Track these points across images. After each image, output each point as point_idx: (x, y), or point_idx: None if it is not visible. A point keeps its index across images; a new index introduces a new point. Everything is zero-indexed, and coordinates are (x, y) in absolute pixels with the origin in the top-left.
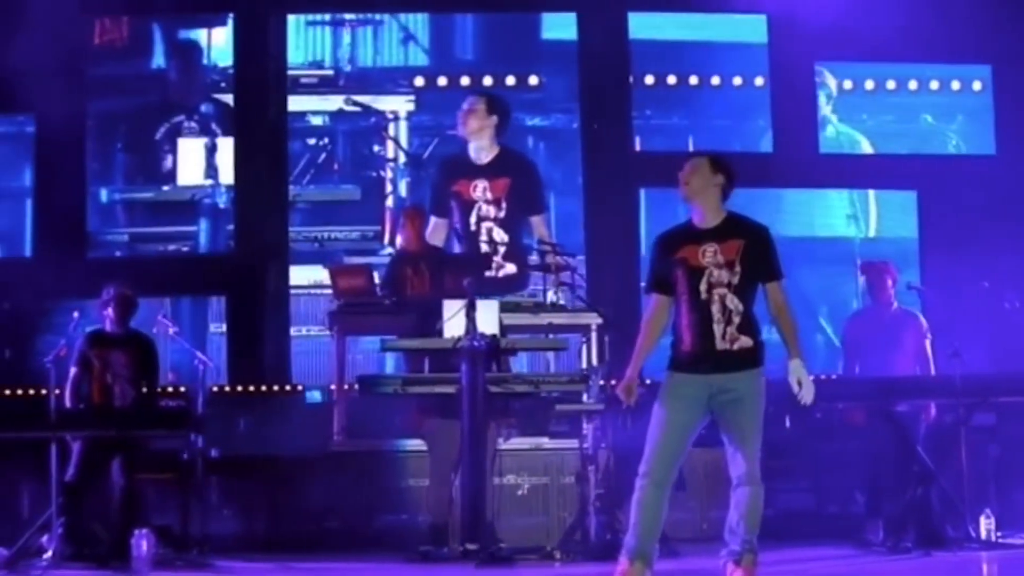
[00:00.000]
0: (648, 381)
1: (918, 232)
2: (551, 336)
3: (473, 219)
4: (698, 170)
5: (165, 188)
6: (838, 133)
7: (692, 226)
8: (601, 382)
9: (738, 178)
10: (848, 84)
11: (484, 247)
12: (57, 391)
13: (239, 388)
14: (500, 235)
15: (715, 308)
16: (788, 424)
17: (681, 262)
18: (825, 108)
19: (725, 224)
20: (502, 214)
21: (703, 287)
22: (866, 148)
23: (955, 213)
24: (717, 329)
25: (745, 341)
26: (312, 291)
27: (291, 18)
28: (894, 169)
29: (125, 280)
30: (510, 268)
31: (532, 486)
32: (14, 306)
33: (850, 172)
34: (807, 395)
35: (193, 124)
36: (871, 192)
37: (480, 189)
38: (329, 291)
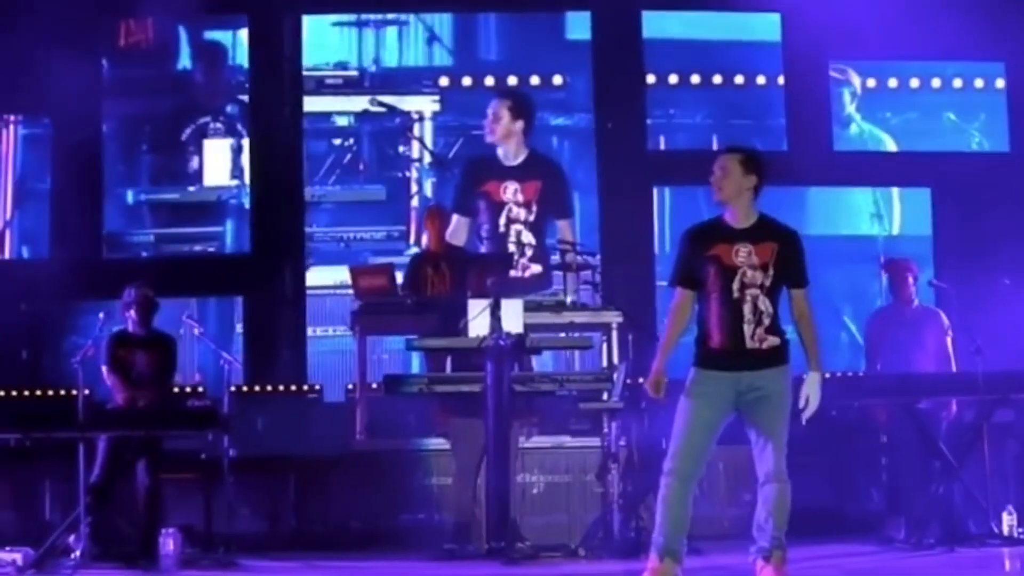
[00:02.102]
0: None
1: (932, 229)
2: (574, 335)
3: (503, 220)
4: (730, 174)
5: (191, 189)
6: (861, 131)
7: (725, 224)
8: (628, 380)
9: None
10: (872, 82)
11: (512, 248)
12: (86, 391)
13: (256, 388)
14: (528, 237)
15: (747, 308)
16: (804, 422)
17: (714, 260)
18: (849, 107)
19: (758, 225)
20: (532, 217)
21: (736, 286)
22: (890, 146)
23: (969, 210)
24: (747, 329)
25: (773, 340)
26: (338, 291)
27: (316, 19)
28: (908, 166)
29: (142, 281)
30: (536, 268)
31: (554, 484)
32: (30, 307)
33: (864, 170)
34: (808, 411)
35: (219, 125)
36: (895, 190)
37: (511, 191)
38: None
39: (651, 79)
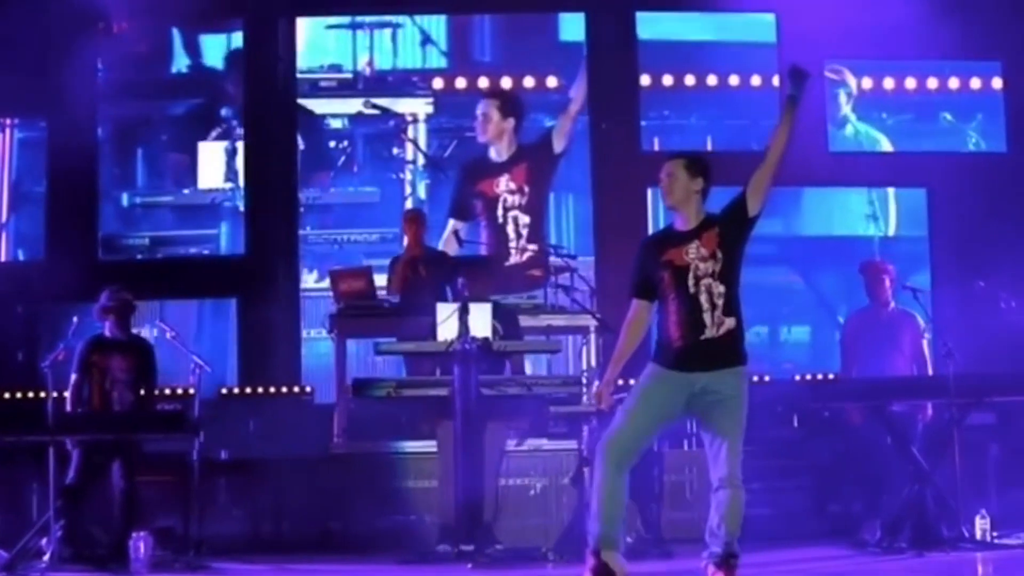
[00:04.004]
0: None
1: (928, 230)
2: (557, 337)
3: (499, 212)
4: (676, 179)
5: (186, 192)
6: (857, 132)
7: (675, 230)
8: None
9: (715, 176)
10: (868, 83)
11: (511, 234)
12: (56, 395)
13: (248, 390)
14: (523, 219)
15: (703, 298)
16: (796, 423)
17: (667, 264)
18: (845, 107)
19: (703, 223)
20: (525, 199)
21: (691, 282)
22: (885, 147)
23: (966, 211)
24: (707, 318)
25: (729, 323)
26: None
27: (311, 22)
28: (904, 167)
29: (137, 283)
30: (532, 250)
31: (530, 487)
32: (27, 309)
33: (860, 170)
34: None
35: (221, 129)
36: (891, 191)
37: (503, 183)
38: None
39: (646, 80)
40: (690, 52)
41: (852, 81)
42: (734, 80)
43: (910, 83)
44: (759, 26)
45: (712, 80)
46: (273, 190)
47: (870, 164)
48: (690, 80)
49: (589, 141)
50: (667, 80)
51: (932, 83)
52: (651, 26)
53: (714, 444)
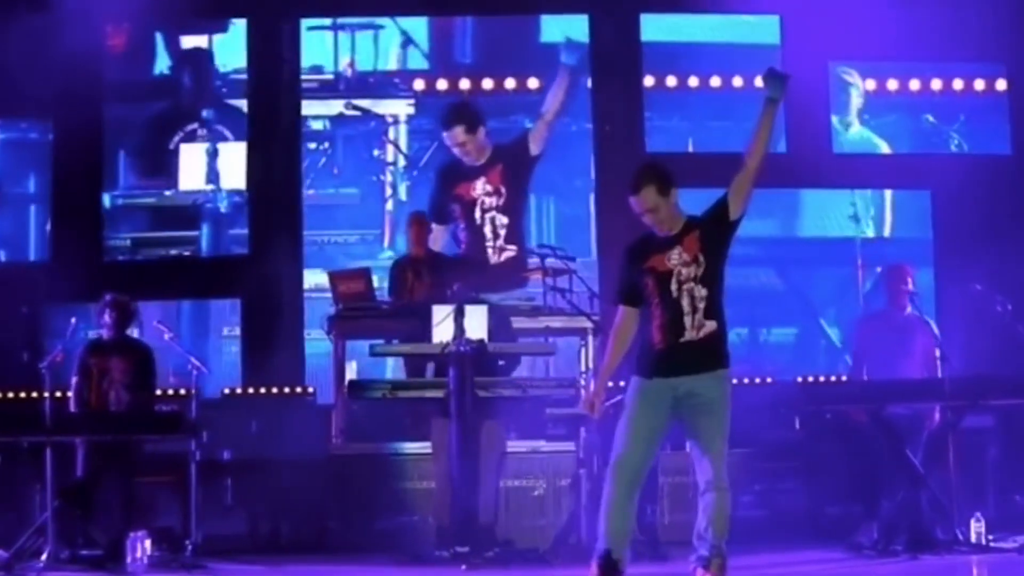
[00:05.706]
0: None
1: (932, 232)
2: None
3: (477, 214)
4: (657, 206)
5: (167, 193)
6: (855, 132)
7: (657, 236)
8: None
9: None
10: (871, 84)
11: (488, 235)
12: (58, 395)
13: (250, 391)
14: (501, 220)
15: (685, 302)
16: (798, 426)
17: (650, 271)
18: (853, 111)
19: (684, 227)
20: (502, 201)
21: (674, 287)
22: (884, 149)
23: (970, 213)
24: (687, 320)
25: (710, 325)
26: (313, 294)
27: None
28: (908, 169)
29: (140, 284)
30: (511, 250)
31: (529, 488)
32: (32, 310)
33: (864, 172)
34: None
35: (204, 131)
36: (887, 192)
37: (480, 186)
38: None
39: (650, 81)
40: (695, 54)
41: (861, 84)
42: (738, 81)
43: (892, 84)
44: (762, 28)
45: (694, 81)
46: (277, 190)
47: (874, 166)
48: (694, 81)
49: (593, 142)
50: (671, 81)
51: (915, 84)
52: (657, 28)
53: (699, 447)
